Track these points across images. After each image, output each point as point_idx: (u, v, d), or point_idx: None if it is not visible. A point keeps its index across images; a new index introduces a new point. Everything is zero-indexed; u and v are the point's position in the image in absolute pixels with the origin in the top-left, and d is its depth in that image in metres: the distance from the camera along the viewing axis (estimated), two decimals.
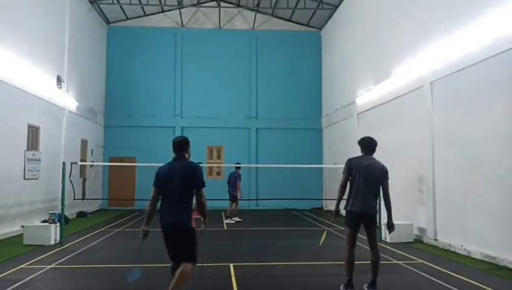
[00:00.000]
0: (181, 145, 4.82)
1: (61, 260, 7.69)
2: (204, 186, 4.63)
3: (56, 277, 6.56)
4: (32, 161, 11.92)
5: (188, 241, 4.60)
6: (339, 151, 17.41)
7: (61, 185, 9.58)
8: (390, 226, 5.68)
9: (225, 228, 12.63)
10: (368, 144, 5.73)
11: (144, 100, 19.62)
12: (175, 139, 4.91)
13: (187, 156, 4.85)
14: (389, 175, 5.71)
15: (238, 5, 20.20)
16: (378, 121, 13.44)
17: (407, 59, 11.21)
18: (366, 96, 14.23)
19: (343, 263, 5.56)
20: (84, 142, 16.81)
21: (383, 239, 9.93)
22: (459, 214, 8.77)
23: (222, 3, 20.05)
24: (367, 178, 5.49)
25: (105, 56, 19.67)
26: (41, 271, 6.81)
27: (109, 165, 18.63)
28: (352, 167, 5.58)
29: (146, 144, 19.03)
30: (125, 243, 9.97)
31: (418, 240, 10.04)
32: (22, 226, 10.31)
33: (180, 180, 4.54)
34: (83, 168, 16.21)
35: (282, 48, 20.38)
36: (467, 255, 8.29)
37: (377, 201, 5.68)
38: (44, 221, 11.27)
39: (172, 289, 4.49)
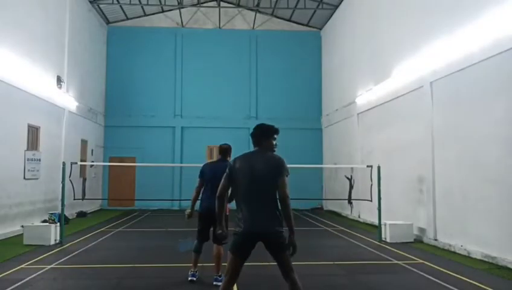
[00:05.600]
0: (223, 151, 6.38)
1: (61, 260, 7.69)
2: None
3: (56, 277, 6.56)
4: (32, 161, 11.92)
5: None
6: (339, 151, 17.42)
7: (61, 185, 9.59)
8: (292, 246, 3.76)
9: None
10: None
11: (143, 100, 19.62)
12: (222, 145, 6.54)
13: (228, 159, 6.21)
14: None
15: (238, 5, 20.20)
16: (378, 121, 13.45)
17: (407, 59, 11.21)
18: (366, 96, 14.23)
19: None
20: (84, 142, 16.81)
21: (383, 239, 9.94)
22: (459, 214, 8.77)
23: (222, 3, 20.05)
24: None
25: (105, 56, 19.67)
26: (41, 271, 6.81)
27: (109, 165, 18.62)
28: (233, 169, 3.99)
29: (146, 144, 19.04)
30: (125, 243, 9.99)
31: (418, 240, 10.04)
32: (22, 226, 10.31)
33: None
34: (83, 168, 16.21)
35: (282, 48, 20.37)
36: (467, 255, 8.28)
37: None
38: (44, 221, 11.29)
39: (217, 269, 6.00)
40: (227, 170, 4.00)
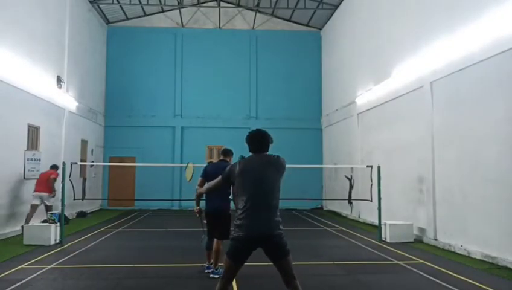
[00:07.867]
0: (225, 152, 6.65)
1: (61, 260, 7.69)
2: None
3: (56, 277, 6.56)
4: (32, 160, 11.91)
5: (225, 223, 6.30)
6: (339, 151, 17.42)
7: (61, 185, 9.59)
8: None
9: None
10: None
11: (143, 100, 19.63)
12: (225, 148, 6.73)
13: (229, 160, 6.57)
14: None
15: (238, 5, 20.20)
16: (378, 121, 13.45)
17: (407, 59, 11.21)
18: (366, 96, 14.23)
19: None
20: (84, 142, 16.80)
21: (383, 239, 9.95)
22: (459, 214, 8.77)
23: (222, 3, 20.05)
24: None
25: (105, 56, 19.67)
26: (41, 271, 6.81)
27: (109, 165, 18.63)
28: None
29: (146, 144, 19.05)
30: (125, 243, 9.98)
31: (418, 240, 10.05)
32: (22, 226, 10.31)
33: None
34: (83, 168, 16.21)
35: (282, 48, 20.37)
36: (467, 255, 8.29)
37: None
38: (44, 221, 11.28)
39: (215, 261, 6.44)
40: (226, 170, 4.02)
